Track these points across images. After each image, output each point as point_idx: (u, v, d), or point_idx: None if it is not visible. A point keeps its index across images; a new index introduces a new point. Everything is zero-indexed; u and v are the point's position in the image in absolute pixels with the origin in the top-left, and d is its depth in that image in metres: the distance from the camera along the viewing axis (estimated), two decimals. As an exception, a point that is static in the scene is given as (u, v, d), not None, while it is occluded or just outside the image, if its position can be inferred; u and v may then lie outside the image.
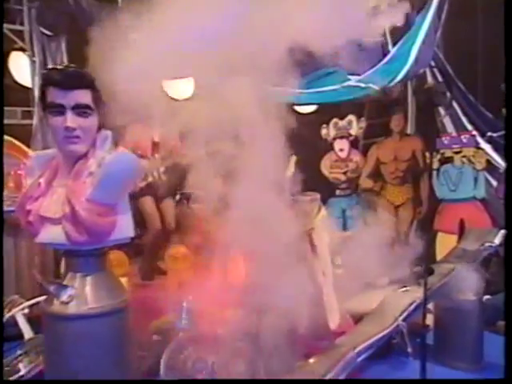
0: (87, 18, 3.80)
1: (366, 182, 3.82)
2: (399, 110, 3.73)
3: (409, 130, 3.95)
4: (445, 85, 2.32)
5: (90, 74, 1.35)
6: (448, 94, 2.25)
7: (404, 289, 2.27)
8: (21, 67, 3.70)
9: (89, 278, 1.36)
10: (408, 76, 3.89)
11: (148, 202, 3.28)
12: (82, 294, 1.33)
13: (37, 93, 3.60)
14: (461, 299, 2.25)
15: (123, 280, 2.78)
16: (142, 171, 1.29)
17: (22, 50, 3.76)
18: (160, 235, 3.34)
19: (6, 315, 2.52)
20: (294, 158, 3.88)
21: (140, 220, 3.42)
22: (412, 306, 2.03)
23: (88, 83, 1.31)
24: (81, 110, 1.28)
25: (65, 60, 3.98)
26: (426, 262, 2.15)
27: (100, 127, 1.36)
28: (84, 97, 1.29)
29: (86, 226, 1.23)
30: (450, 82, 2.66)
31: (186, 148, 3.64)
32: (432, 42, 3.86)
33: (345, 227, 3.89)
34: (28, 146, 3.56)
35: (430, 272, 2.13)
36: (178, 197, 3.79)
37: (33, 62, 3.77)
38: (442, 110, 3.21)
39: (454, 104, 3.74)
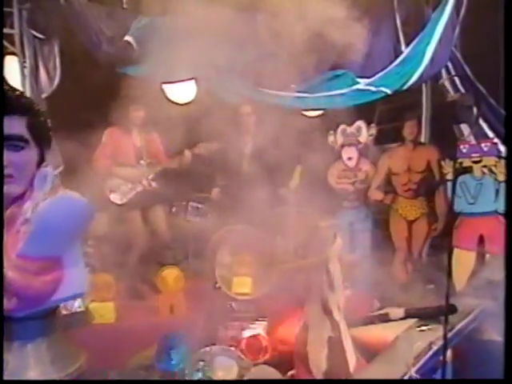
0: (81, 20, 3.54)
1: (375, 194, 3.49)
2: (412, 116, 3.40)
3: (423, 139, 3.60)
4: (472, 97, 1.98)
5: (25, 96, 1.07)
6: (475, 109, 1.92)
7: (421, 328, 1.95)
8: (15, 71, 3.47)
9: (30, 347, 1.08)
10: (422, 79, 3.56)
11: (135, 220, 3.03)
12: (20, 368, 1.05)
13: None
14: (484, 340, 1.93)
15: (110, 304, 2.54)
16: (91, 215, 1.00)
17: (15, 53, 3.53)
18: (149, 253, 3.07)
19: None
20: (298, 169, 3.60)
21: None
22: (429, 354, 1.71)
23: (22, 109, 1.03)
24: (12, 142, 1.01)
25: (57, 64, 3.73)
26: (447, 299, 1.85)
27: (40, 162, 1.08)
28: (16, 126, 1.02)
29: (15, 290, 0.97)
30: (477, 95, 2.32)
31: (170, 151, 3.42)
32: (449, 40, 3.51)
33: (352, 241, 3.57)
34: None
35: (453, 311, 1.81)
36: (174, 209, 3.52)
37: (24, 67, 3.53)
38: (464, 129, 2.84)
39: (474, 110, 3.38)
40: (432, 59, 3.44)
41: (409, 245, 3.29)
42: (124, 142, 3.22)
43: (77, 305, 2.46)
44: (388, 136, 3.79)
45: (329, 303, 1.94)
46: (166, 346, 2.01)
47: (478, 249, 3.17)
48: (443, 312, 1.84)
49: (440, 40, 3.45)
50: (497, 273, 2.22)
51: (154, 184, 3.21)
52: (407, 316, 2.18)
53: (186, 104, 4.12)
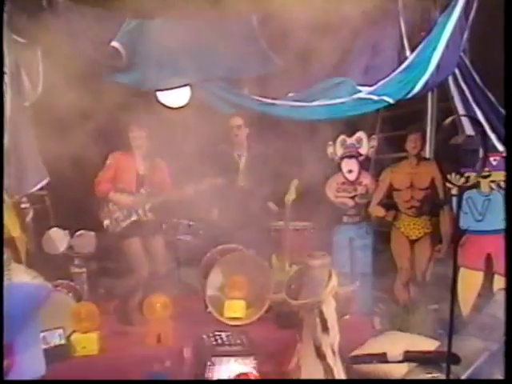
0: (64, 23, 3.43)
1: (376, 210, 3.39)
2: (416, 128, 3.27)
3: (427, 154, 3.47)
4: (478, 139, 1.87)
5: None
6: (481, 152, 1.81)
7: (425, 375, 1.87)
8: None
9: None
10: (428, 86, 3.42)
11: (134, 246, 2.97)
12: None
13: (9, 110, 3.28)
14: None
15: (93, 335, 2.47)
16: (44, 296, 0.92)
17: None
18: (146, 281, 2.99)
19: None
20: (295, 183, 3.49)
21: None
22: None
23: None
24: None
25: (40, 70, 3.62)
26: (451, 323, 1.77)
27: None
28: None
29: None
30: (484, 134, 2.15)
31: (175, 184, 3.34)
32: (457, 46, 3.35)
33: (352, 259, 3.48)
34: None
35: (456, 361, 1.72)
36: (164, 226, 3.44)
37: (4, 73, 3.42)
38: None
39: (482, 120, 3.25)
40: (438, 66, 3.29)
41: (412, 265, 3.19)
42: (127, 167, 3.13)
43: (57, 337, 2.40)
44: (390, 149, 3.68)
45: (322, 347, 1.86)
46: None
47: (485, 268, 3.08)
48: (444, 358, 1.77)
49: (447, 45, 3.29)
50: (502, 309, 2.13)
51: (150, 215, 3.09)
52: (406, 359, 2.10)
53: (179, 108, 4.04)
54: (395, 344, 2.81)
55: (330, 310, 1.90)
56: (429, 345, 2.81)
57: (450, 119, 1.79)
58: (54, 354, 2.34)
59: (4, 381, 1.26)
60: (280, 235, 3.41)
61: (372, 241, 3.49)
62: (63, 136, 4.45)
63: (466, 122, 3.31)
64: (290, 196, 3.39)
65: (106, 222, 3.01)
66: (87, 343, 2.45)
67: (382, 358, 2.18)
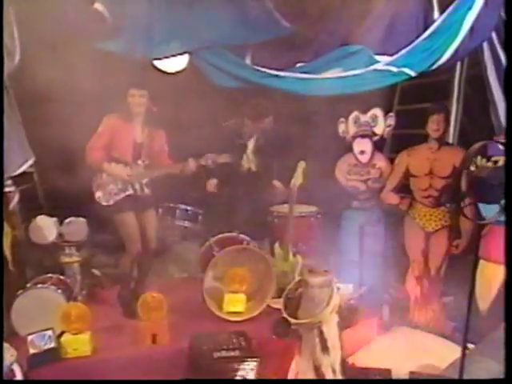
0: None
1: (390, 197, 3.23)
2: (439, 108, 3.01)
3: (451, 138, 3.24)
4: (502, 172, 1.67)
5: None
6: (501, 185, 1.62)
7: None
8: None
9: None
10: (458, 56, 3.13)
11: (129, 220, 2.92)
12: None
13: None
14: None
15: (84, 336, 2.47)
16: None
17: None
18: (141, 259, 2.95)
19: None
20: (302, 165, 3.32)
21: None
22: None
23: None
24: None
25: (16, 35, 3.36)
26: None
27: None
28: None
29: None
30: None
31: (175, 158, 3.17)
32: (498, 3, 2.96)
33: (361, 247, 3.39)
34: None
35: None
36: (160, 211, 3.35)
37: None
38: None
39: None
40: (472, 29, 2.97)
41: (425, 258, 3.08)
42: (123, 134, 2.93)
43: (47, 340, 2.39)
44: (409, 129, 3.45)
45: (322, 368, 1.81)
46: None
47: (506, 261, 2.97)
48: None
49: (486, 2, 2.95)
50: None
51: (146, 190, 2.96)
52: (410, 379, 2.06)
53: (176, 73, 3.81)
54: (403, 343, 2.80)
55: (331, 329, 1.84)
56: (439, 344, 2.80)
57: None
58: (44, 358, 2.35)
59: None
60: (284, 222, 3.30)
61: (384, 229, 3.37)
62: (47, 110, 4.30)
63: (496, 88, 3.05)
64: (297, 180, 3.24)
65: (98, 194, 2.90)
66: (79, 345, 2.44)
67: (386, 373, 2.15)
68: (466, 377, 1.76)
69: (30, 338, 2.38)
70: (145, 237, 3.03)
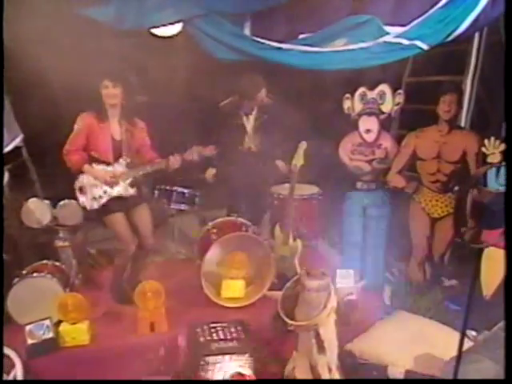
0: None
1: (396, 180, 3.19)
2: (453, 88, 2.90)
3: (462, 122, 3.14)
4: (502, 198, 1.61)
5: None
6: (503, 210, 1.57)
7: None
8: None
9: None
10: (477, 26, 2.97)
11: (118, 221, 2.84)
12: None
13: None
14: None
15: (82, 325, 2.56)
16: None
17: None
18: (134, 256, 2.98)
19: None
20: (303, 146, 3.27)
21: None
22: None
23: None
24: None
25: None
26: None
27: None
28: None
29: None
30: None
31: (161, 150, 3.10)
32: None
33: (364, 229, 3.41)
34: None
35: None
36: (156, 193, 3.34)
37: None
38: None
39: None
40: (495, -6, 2.81)
41: (429, 244, 3.10)
42: (100, 133, 2.78)
43: (45, 329, 2.47)
44: (418, 109, 3.35)
45: (318, 367, 1.88)
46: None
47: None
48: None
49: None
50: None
51: (131, 190, 2.84)
52: (405, 378, 2.13)
53: (170, 37, 3.67)
54: (403, 330, 2.86)
55: (328, 330, 1.88)
56: (439, 331, 2.86)
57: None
58: (43, 348, 2.45)
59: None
60: (285, 204, 3.30)
61: (388, 211, 3.36)
62: (34, 84, 4.19)
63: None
64: (298, 161, 3.20)
65: (82, 199, 2.81)
66: (77, 334, 2.53)
67: (383, 371, 2.23)
68: (461, 375, 1.82)
69: (28, 328, 2.46)
70: (139, 234, 2.97)
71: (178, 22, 3.27)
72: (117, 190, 2.81)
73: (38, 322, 2.47)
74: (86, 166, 2.79)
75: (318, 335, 1.86)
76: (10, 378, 2.33)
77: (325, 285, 1.87)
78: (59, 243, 3.20)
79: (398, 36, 3.02)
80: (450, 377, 1.78)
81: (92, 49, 3.47)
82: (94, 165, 2.80)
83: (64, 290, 2.77)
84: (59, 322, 2.58)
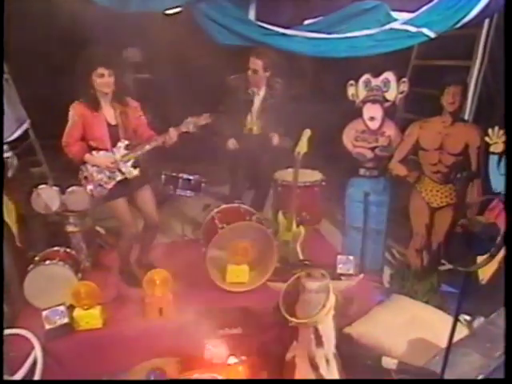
0: None
1: (398, 168, 3.25)
2: (458, 80, 2.89)
3: (466, 115, 3.14)
4: (498, 228, 1.64)
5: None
6: (492, 238, 1.62)
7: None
8: None
9: None
10: (488, 12, 2.91)
11: (120, 207, 2.93)
12: None
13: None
14: None
15: (95, 311, 2.72)
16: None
17: None
18: (142, 237, 3.09)
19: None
20: (307, 133, 3.30)
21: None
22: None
23: None
24: None
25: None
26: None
27: None
28: None
29: None
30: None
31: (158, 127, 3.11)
32: None
33: (366, 214, 3.51)
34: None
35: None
36: (163, 178, 3.43)
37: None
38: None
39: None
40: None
41: (428, 232, 3.19)
42: (95, 122, 2.79)
43: (60, 315, 2.64)
44: (422, 98, 3.33)
45: (316, 359, 2.03)
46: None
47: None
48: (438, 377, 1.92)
49: None
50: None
51: (135, 172, 2.89)
52: (399, 369, 2.28)
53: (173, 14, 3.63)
54: (400, 314, 3.01)
55: (326, 326, 2.01)
56: (434, 316, 3.01)
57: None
58: (59, 332, 2.63)
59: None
60: (288, 191, 3.38)
61: (389, 198, 3.44)
62: (38, 67, 4.19)
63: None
64: (301, 149, 3.24)
65: (90, 187, 2.88)
66: (90, 319, 2.70)
67: (377, 361, 2.37)
68: (450, 366, 1.96)
69: (44, 313, 2.63)
70: (144, 215, 3.07)
71: (181, 5, 3.21)
72: (120, 174, 2.87)
73: (54, 308, 2.64)
74: (87, 156, 2.84)
75: (316, 331, 1.99)
76: (30, 359, 2.51)
77: (324, 286, 1.98)
78: (69, 228, 3.32)
79: (405, 23, 2.98)
80: (440, 367, 1.92)
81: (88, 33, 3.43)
82: (94, 152, 2.85)
83: (76, 276, 2.91)
84: (72, 305, 2.74)
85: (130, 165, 2.90)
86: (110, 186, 2.88)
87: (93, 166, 2.86)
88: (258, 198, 3.77)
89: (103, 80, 2.74)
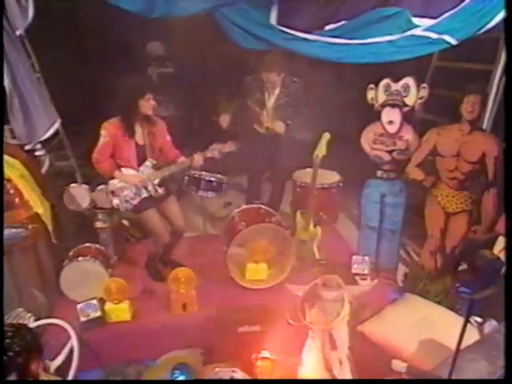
0: None
1: (415, 172, 3.32)
2: (478, 89, 2.91)
3: (485, 124, 3.15)
4: (499, 261, 1.71)
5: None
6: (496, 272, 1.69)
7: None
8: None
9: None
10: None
11: (151, 217, 3.10)
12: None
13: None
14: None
15: (124, 305, 2.94)
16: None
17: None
18: (169, 244, 3.29)
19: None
20: (326, 136, 3.38)
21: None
22: None
23: None
24: None
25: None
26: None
27: None
28: None
29: None
30: None
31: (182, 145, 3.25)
32: None
33: (382, 215, 3.60)
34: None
35: None
36: (186, 179, 3.58)
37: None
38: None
39: None
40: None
41: (443, 236, 3.27)
42: (125, 142, 2.94)
43: (93, 308, 2.87)
44: (441, 106, 3.36)
45: (330, 360, 2.18)
46: (176, 374, 2.43)
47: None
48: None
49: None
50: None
51: (160, 190, 3.08)
52: (407, 372, 2.41)
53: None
54: (412, 314, 3.13)
55: (340, 331, 2.16)
56: (446, 317, 3.11)
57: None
58: (92, 324, 2.86)
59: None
60: (306, 192, 3.50)
61: (405, 200, 3.52)
62: (68, 67, 4.33)
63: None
64: (320, 152, 3.34)
65: (115, 201, 3.06)
66: (119, 312, 2.93)
67: (387, 363, 2.51)
68: (455, 375, 2.08)
69: (79, 306, 2.86)
70: (172, 224, 3.24)
71: (205, 10, 3.28)
72: (147, 191, 3.05)
73: (87, 302, 2.86)
74: (117, 173, 3.00)
75: (331, 335, 2.14)
76: (67, 348, 2.74)
77: (340, 296, 2.12)
78: (98, 224, 3.52)
79: (427, 29, 3.00)
80: (447, 372, 2.05)
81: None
82: (123, 169, 3.02)
83: (106, 271, 3.13)
84: (103, 299, 2.96)
85: (156, 183, 3.08)
86: (135, 203, 3.05)
87: (120, 182, 3.03)
88: (274, 195, 3.91)
89: (149, 104, 2.92)
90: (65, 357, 2.73)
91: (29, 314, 2.95)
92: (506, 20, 2.54)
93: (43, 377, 1.50)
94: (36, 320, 2.89)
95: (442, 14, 2.96)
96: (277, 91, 3.67)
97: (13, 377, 1.36)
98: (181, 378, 2.41)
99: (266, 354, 2.59)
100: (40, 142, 3.59)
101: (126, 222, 4.11)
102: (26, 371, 1.44)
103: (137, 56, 4.86)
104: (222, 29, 3.34)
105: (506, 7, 2.57)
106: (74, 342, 2.75)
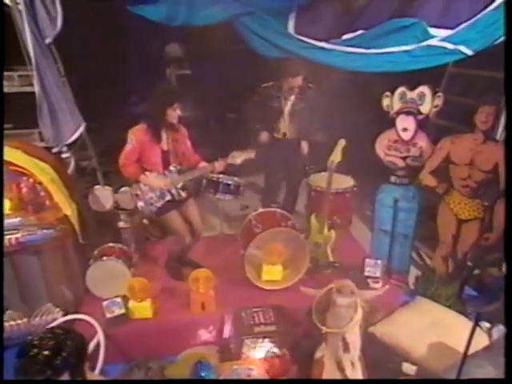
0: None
1: (427, 179, 3.40)
2: (492, 100, 2.97)
3: (498, 135, 3.21)
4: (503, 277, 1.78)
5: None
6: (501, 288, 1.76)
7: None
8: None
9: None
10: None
11: (173, 219, 3.25)
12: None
13: (32, 52, 3.33)
14: None
15: (147, 303, 3.10)
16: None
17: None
18: (189, 245, 3.43)
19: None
20: (341, 143, 3.47)
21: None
22: None
23: None
24: None
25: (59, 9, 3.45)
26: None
27: None
28: None
29: None
30: None
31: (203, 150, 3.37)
32: None
33: (395, 219, 3.69)
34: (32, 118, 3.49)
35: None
36: (204, 182, 3.71)
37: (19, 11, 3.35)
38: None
39: None
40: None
41: (454, 242, 3.35)
42: (151, 147, 3.08)
43: (117, 305, 3.04)
44: (456, 113, 3.41)
45: (342, 363, 2.31)
46: (198, 370, 2.59)
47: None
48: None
49: None
50: None
51: (183, 194, 3.23)
52: (417, 374, 2.52)
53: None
54: (422, 317, 3.22)
55: (353, 335, 2.27)
56: (456, 321, 3.20)
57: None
58: (117, 320, 3.03)
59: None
60: (321, 196, 3.60)
61: (418, 206, 3.60)
62: (94, 74, 4.49)
63: None
64: (335, 158, 3.42)
65: (140, 204, 3.20)
66: (142, 310, 3.08)
67: (398, 364, 2.62)
68: (463, 377, 2.18)
69: (104, 303, 3.02)
70: (191, 226, 3.37)
71: (225, 19, 3.38)
72: (170, 194, 3.20)
73: (112, 299, 3.03)
74: (143, 177, 3.14)
75: (344, 339, 2.26)
76: (93, 342, 2.92)
77: (353, 302, 2.24)
78: (121, 224, 3.68)
79: (443, 40, 3.05)
80: (454, 377, 2.15)
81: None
82: (147, 173, 3.16)
83: (129, 270, 3.29)
84: (126, 296, 3.12)
85: (180, 187, 3.23)
86: (159, 205, 3.20)
87: (145, 185, 3.17)
88: (289, 197, 4.03)
89: (175, 113, 3.07)
90: (91, 351, 2.92)
91: (57, 309, 3.15)
92: (506, 20, 2.53)
93: (89, 376, 1.64)
94: (64, 315, 3.09)
95: (459, 24, 3.00)
96: (293, 97, 3.77)
97: (65, 376, 1.49)
98: (203, 373, 2.57)
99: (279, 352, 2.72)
100: (66, 145, 3.77)
101: (145, 221, 4.28)
102: (78, 371, 1.56)
103: (155, 58, 4.96)
104: (242, 37, 3.43)
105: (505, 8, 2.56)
106: (100, 336, 2.94)
